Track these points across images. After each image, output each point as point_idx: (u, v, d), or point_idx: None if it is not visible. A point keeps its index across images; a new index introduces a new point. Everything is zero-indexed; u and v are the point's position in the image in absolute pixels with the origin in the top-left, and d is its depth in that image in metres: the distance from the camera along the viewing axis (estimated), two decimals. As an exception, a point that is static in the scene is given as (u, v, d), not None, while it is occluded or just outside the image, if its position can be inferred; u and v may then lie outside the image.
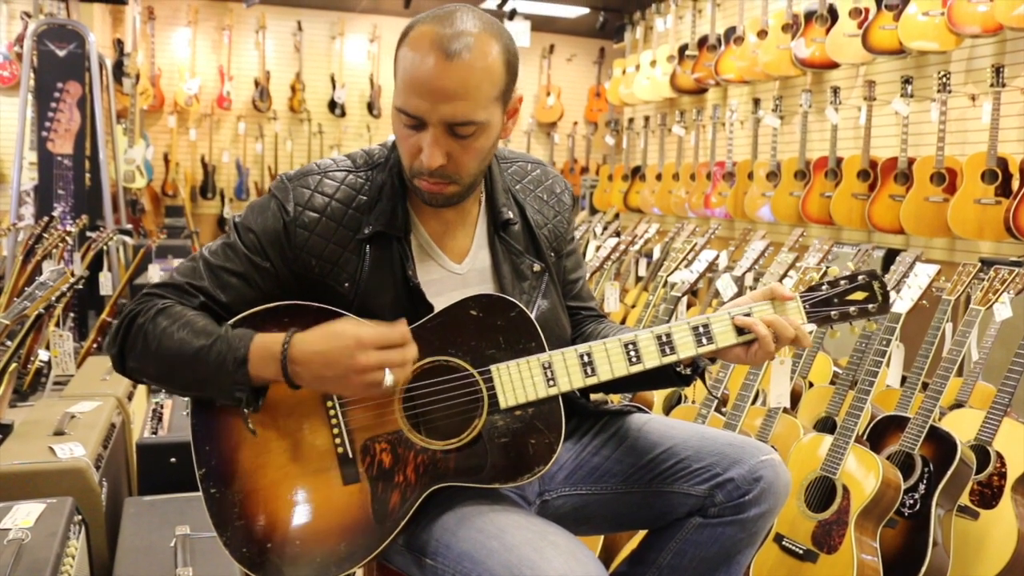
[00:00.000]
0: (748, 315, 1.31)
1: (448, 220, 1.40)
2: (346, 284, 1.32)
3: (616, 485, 1.42)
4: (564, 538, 1.17)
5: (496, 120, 1.27)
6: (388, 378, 1.18)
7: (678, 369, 1.39)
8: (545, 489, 1.45)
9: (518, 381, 1.27)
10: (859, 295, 1.37)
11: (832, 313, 1.36)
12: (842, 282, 1.37)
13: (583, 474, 1.44)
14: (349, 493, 1.27)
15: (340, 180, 1.36)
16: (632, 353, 1.29)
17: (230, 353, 1.21)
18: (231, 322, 1.28)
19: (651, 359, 1.29)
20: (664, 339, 1.30)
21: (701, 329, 1.31)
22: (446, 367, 1.28)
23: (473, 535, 1.20)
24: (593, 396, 1.59)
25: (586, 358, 1.29)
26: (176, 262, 4.93)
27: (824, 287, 1.37)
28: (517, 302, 1.30)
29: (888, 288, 1.39)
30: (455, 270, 1.40)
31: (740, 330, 1.31)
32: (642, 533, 1.51)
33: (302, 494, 1.27)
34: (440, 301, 1.32)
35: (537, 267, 1.43)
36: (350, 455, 1.27)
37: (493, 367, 1.27)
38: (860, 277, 1.38)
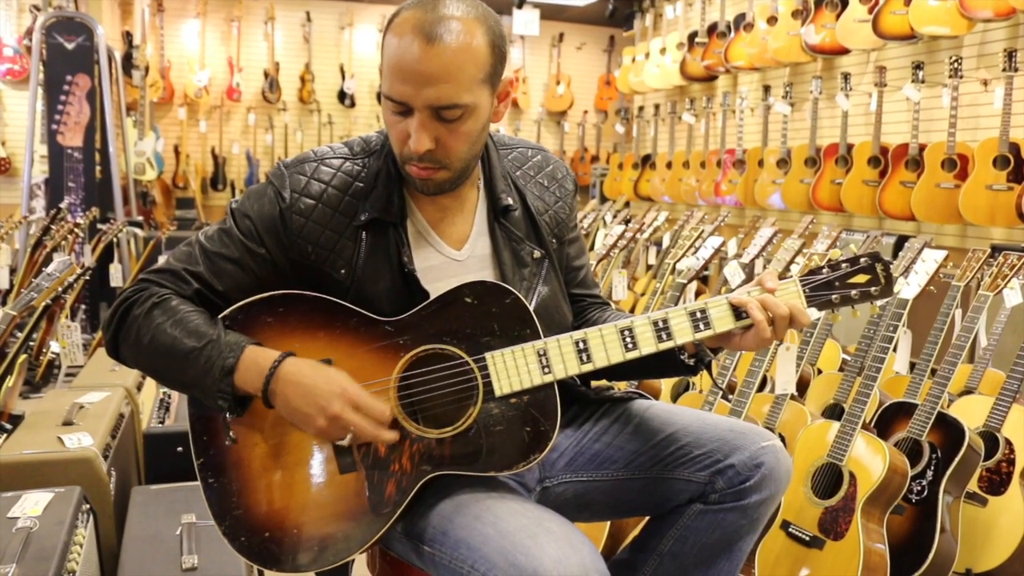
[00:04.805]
0: None
1: (446, 206, 1.39)
2: (342, 271, 1.32)
3: (617, 472, 1.42)
4: (559, 524, 1.17)
5: (484, 103, 1.26)
6: (347, 438, 1.23)
7: (682, 358, 1.38)
8: (545, 476, 1.45)
9: (513, 368, 1.26)
10: (861, 278, 1.34)
11: (833, 297, 1.33)
12: (843, 265, 1.34)
13: (584, 461, 1.44)
14: (345, 482, 1.27)
15: (336, 167, 1.35)
16: (628, 339, 1.28)
17: (219, 360, 1.21)
18: (226, 313, 1.28)
19: (647, 345, 1.28)
20: (661, 325, 1.28)
21: (698, 314, 1.29)
22: (441, 355, 1.28)
23: (469, 522, 1.20)
24: (598, 384, 1.58)
25: (581, 344, 1.27)
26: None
27: (824, 270, 1.34)
28: (512, 289, 1.29)
29: (891, 270, 1.36)
30: (454, 256, 1.39)
31: (738, 315, 1.29)
32: (646, 520, 1.51)
33: (299, 483, 1.27)
34: (438, 287, 1.31)
35: (537, 254, 1.42)
36: (346, 444, 1.27)
37: (488, 354, 1.26)
38: (862, 260, 1.34)
